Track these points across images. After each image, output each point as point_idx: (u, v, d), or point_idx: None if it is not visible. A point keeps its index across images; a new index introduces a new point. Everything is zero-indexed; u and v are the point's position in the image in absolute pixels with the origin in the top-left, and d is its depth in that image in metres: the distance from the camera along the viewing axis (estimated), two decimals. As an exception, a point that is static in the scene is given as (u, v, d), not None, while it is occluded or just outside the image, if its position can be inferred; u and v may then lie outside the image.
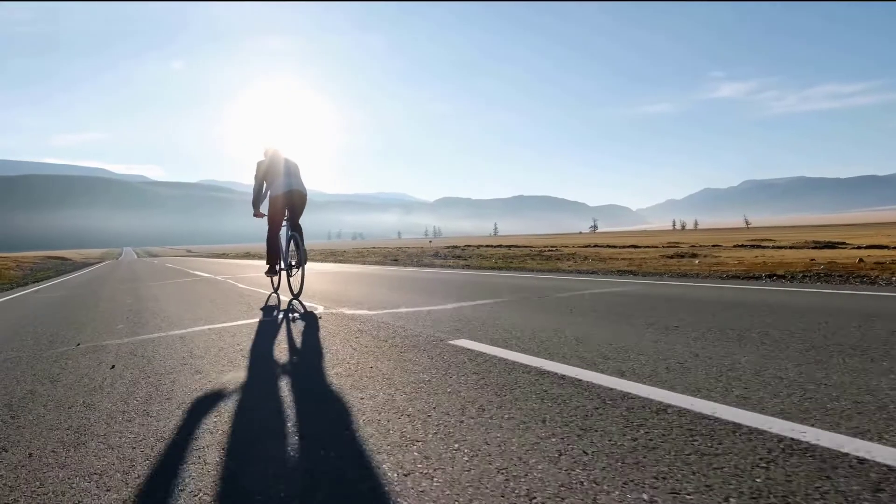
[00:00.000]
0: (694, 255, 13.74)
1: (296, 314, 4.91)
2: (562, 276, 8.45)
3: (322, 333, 3.78)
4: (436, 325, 3.82)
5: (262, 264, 10.65)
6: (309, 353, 3.13)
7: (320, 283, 8.94)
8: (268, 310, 5.41)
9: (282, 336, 3.85)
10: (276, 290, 6.71)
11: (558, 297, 5.32)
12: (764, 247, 20.48)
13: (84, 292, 9.88)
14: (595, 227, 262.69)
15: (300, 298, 5.98)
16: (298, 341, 3.57)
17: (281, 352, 3.31)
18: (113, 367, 3.12)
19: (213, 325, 4.57)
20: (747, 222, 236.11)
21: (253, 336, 3.91)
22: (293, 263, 6.09)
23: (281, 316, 4.89)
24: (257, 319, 4.75)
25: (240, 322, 4.63)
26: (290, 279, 6.21)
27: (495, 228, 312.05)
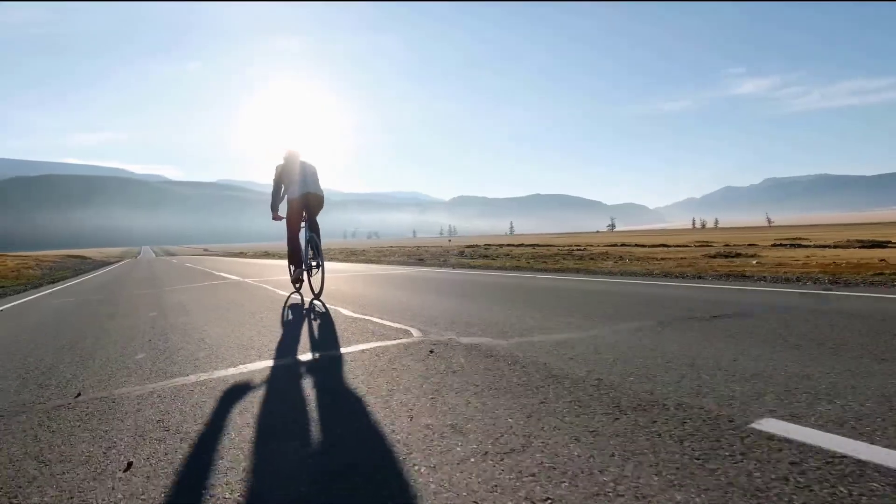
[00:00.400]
0: (750, 256, 12.09)
1: (393, 342, 3.44)
2: (663, 282, 6.89)
3: (482, 394, 2.22)
4: (652, 376, 2.31)
5: (285, 264, 9.55)
6: (507, 453, 1.61)
7: (367, 288, 7.56)
8: (340, 332, 4.00)
9: (417, 394, 2.28)
10: (298, 290, 6.84)
11: (759, 318, 3.80)
12: (805, 246, 18.71)
13: (99, 298, 8.58)
14: (613, 226, 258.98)
15: (322, 299, 6.02)
16: (454, 410, 2.03)
17: (450, 449, 1.70)
18: (129, 466, 1.70)
19: (273, 358, 3.14)
20: (769, 221, 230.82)
21: (358, 393, 2.40)
22: (313, 264, 6.23)
23: (377, 344, 3.40)
24: (340, 352, 3.28)
25: (309, 356, 3.19)
26: (311, 279, 6.32)
27: (511, 227, 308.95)
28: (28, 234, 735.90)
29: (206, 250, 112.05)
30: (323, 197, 6.22)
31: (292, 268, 6.60)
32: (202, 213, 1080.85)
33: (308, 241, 6.21)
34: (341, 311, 5.02)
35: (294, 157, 6.11)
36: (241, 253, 47.04)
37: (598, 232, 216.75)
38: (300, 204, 6.05)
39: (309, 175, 6.09)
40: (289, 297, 6.58)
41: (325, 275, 6.22)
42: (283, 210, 6.37)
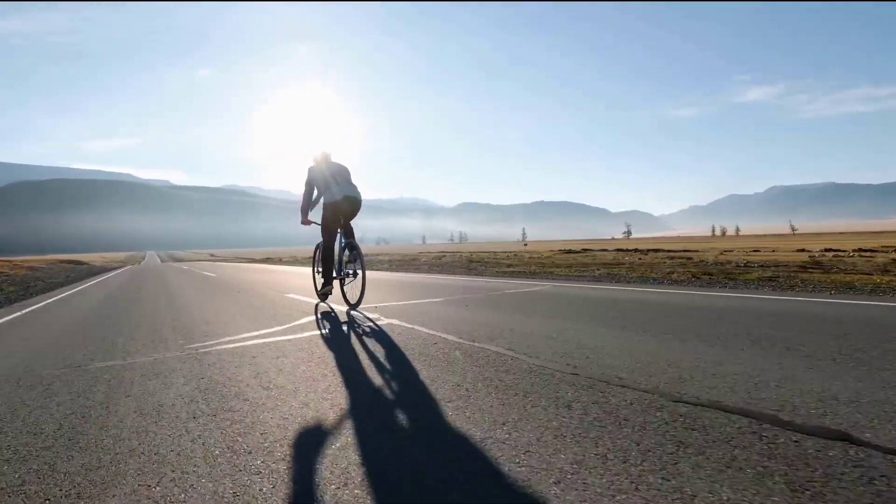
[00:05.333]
0: None
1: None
2: None
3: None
4: None
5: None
6: None
7: None
8: None
9: None
10: (323, 300, 6.05)
11: None
12: None
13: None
14: (629, 232, 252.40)
15: (359, 309, 5.24)
16: None
17: None
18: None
19: None
20: (793, 228, 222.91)
21: None
22: (349, 272, 5.58)
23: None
24: None
25: None
26: (344, 288, 5.68)
27: (524, 234, 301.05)
28: (33, 238, 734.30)
29: (212, 255, 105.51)
30: (361, 200, 5.57)
31: (320, 277, 5.82)
32: (208, 217, 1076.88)
33: (345, 247, 5.64)
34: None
35: (326, 159, 5.67)
36: (269, 258, 39.83)
37: (612, 238, 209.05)
38: (339, 207, 5.47)
39: (345, 177, 5.59)
40: (316, 306, 5.73)
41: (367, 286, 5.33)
42: (314, 215, 5.84)
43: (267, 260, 35.72)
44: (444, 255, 24.92)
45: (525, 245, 71.51)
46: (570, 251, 28.80)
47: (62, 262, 47.08)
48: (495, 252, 31.04)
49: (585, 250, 28.49)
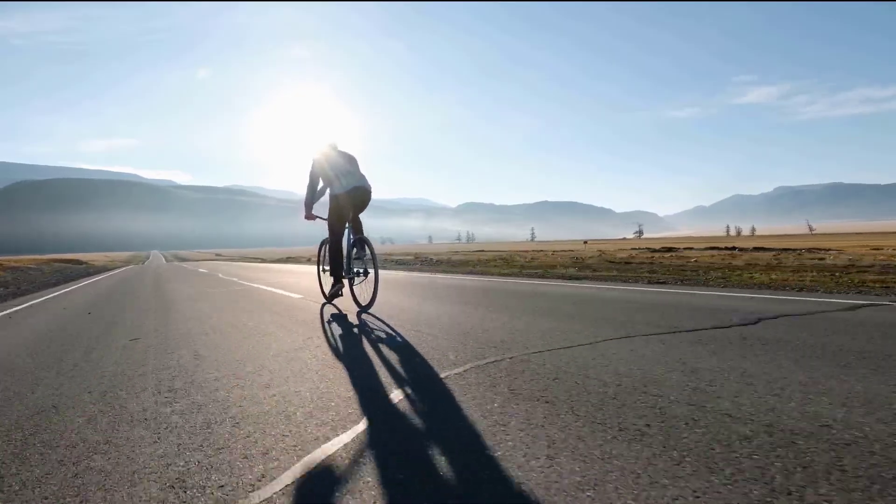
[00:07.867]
0: None
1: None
2: None
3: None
4: None
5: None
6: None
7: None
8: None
9: None
10: (330, 301, 5.49)
11: None
12: None
13: None
14: (640, 232, 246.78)
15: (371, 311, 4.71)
16: None
17: None
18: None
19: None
20: (811, 228, 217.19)
21: None
22: (358, 270, 5.17)
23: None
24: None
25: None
26: (354, 287, 5.29)
27: (532, 234, 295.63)
28: (35, 238, 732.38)
29: (218, 255, 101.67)
30: (370, 190, 5.10)
31: (327, 276, 5.36)
32: (211, 217, 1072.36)
33: (355, 244, 5.16)
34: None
35: (334, 148, 5.26)
36: (295, 258, 35.27)
37: (623, 238, 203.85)
38: (348, 200, 5.00)
39: (353, 166, 5.16)
40: (321, 307, 5.26)
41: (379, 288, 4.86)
42: (318, 210, 5.50)
43: (289, 259, 31.08)
44: (536, 257, 20.27)
45: (585, 243, 66.67)
46: (651, 250, 24.22)
47: (56, 261, 42.66)
48: (555, 251, 26.48)
49: (669, 249, 23.91)
